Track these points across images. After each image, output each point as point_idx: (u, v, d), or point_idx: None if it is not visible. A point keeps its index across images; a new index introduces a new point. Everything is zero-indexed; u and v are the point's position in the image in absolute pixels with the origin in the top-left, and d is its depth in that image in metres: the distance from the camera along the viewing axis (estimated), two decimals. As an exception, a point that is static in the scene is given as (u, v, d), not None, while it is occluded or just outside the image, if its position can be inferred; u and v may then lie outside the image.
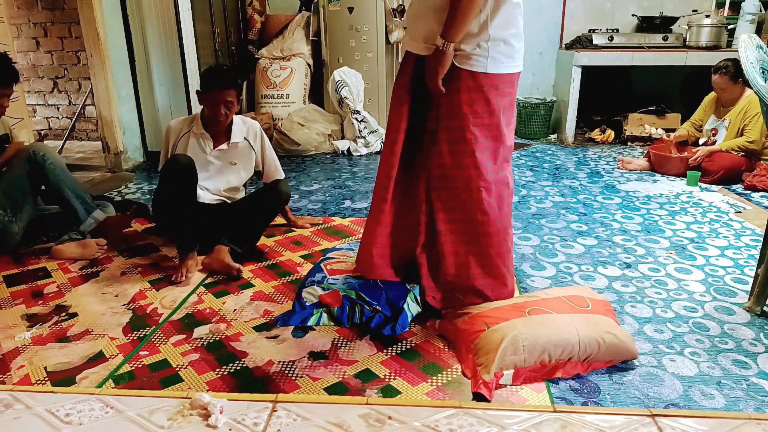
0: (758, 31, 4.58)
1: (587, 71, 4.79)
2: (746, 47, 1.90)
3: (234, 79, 2.46)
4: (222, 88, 2.40)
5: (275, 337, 1.84)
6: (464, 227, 1.83)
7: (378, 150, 4.66)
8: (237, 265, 2.29)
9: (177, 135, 2.54)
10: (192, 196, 2.43)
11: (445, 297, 1.92)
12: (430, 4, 1.67)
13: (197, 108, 4.40)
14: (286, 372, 1.65)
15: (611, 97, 5.30)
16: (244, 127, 2.61)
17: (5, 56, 2.44)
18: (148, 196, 3.44)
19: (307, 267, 2.36)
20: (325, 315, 1.93)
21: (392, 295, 1.94)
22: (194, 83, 4.28)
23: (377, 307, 1.90)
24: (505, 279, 1.89)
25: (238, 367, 1.67)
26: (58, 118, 5.54)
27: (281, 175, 2.69)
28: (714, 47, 4.57)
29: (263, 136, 2.67)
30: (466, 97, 1.69)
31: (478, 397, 1.50)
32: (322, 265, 2.18)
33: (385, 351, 1.75)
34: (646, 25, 4.92)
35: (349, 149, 4.62)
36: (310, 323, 1.90)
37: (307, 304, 1.97)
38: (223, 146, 2.56)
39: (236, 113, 2.56)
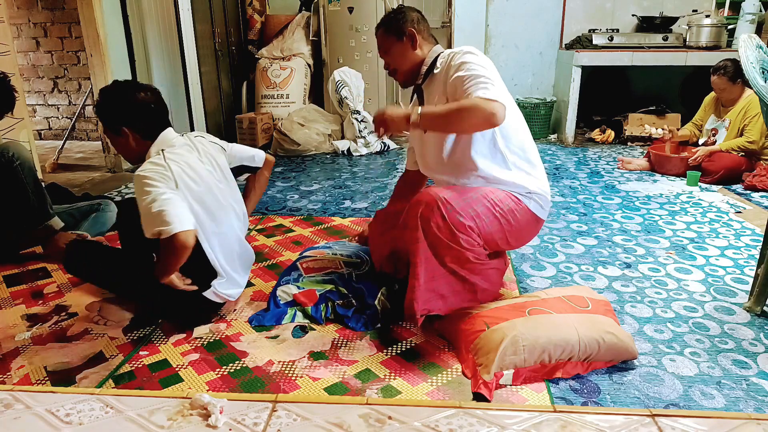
0: (758, 31, 4.58)
1: (587, 71, 4.79)
2: (746, 47, 1.90)
3: None
4: None
5: (275, 337, 1.84)
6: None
7: (378, 150, 4.66)
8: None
9: None
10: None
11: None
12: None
13: (197, 108, 4.45)
14: (286, 372, 1.65)
15: (611, 97, 5.30)
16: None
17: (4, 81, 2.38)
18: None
19: (307, 267, 2.36)
20: (299, 313, 1.94)
21: (367, 292, 1.97)
22: (194, 83, 4.29)
23: (352, 301, 1.95)
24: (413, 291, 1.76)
25: (238, 367, 1.68)
26: (58, 118, 5.54)
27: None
28: (714, 47, 4.57)
29: None
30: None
31: (478, 397, 1.50)
32: (298, 263, 2.19)
33: (385, 351, 1.75)
34: (646, 25, 4.92)
35: (349, 149, 4.62)
36: (284, 321, 1.91)
37: (282, 302, 1.98)
38: None
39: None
